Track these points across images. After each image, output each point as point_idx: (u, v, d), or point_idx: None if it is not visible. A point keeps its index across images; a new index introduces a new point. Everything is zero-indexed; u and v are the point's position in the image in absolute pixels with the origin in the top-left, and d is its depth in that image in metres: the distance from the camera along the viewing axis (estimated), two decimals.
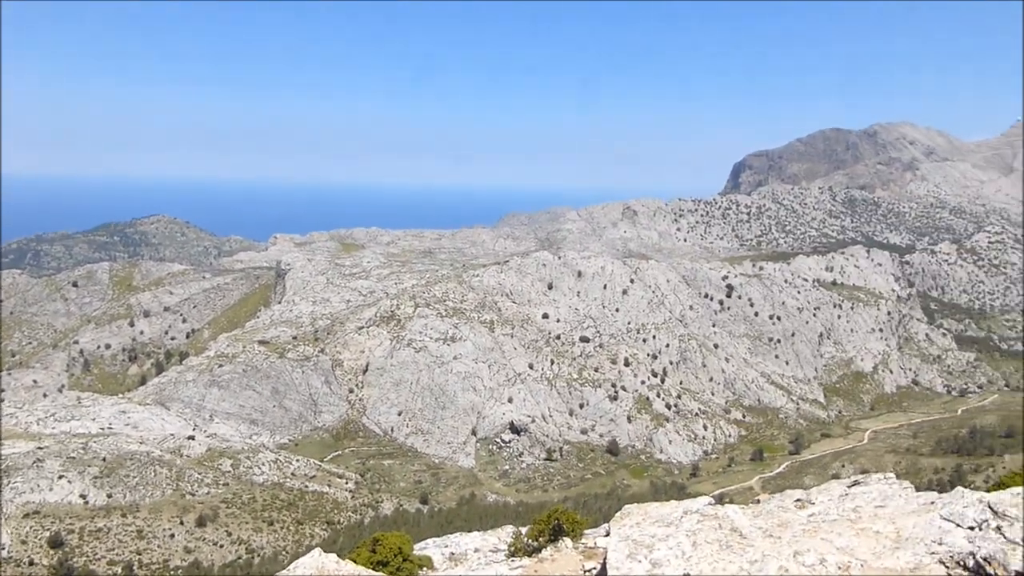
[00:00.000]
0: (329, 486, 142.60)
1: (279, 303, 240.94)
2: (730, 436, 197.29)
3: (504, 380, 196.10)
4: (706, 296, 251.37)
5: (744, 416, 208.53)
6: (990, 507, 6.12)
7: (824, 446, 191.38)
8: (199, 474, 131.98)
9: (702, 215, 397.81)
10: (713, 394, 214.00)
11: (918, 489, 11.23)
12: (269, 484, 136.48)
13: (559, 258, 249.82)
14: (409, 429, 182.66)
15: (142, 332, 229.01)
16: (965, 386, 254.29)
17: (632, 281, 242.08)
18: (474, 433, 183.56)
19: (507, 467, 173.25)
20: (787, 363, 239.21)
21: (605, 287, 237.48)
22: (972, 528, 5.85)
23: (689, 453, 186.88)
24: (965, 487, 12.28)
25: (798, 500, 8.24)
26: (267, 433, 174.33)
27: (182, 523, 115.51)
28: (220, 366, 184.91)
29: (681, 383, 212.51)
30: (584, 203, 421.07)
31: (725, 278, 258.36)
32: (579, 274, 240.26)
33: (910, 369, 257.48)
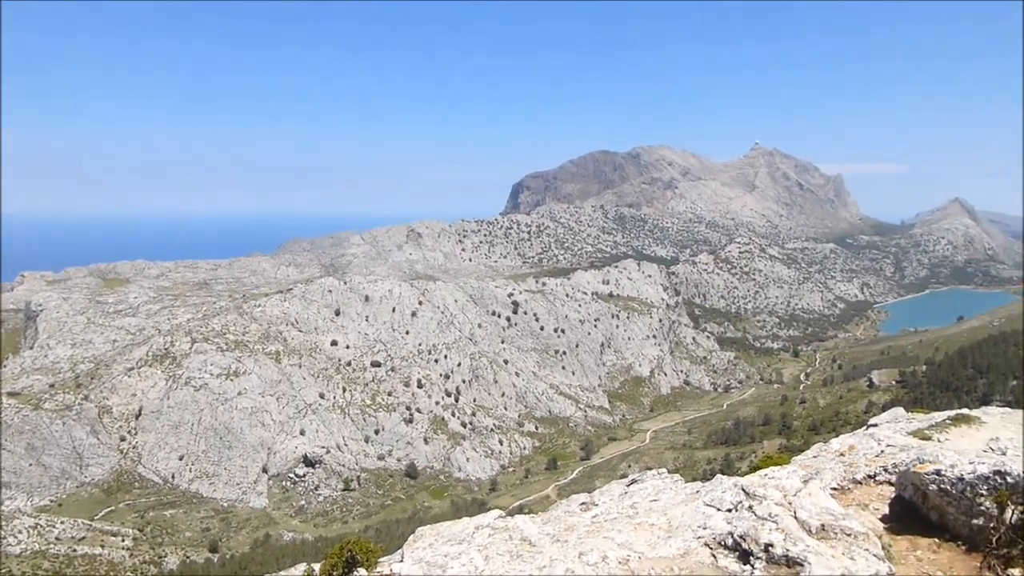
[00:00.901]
0: (102, 546, 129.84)
1: (31, 349, 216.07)
2: (525, 448, 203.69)
3: (294, 412, 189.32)
4: (494, 313, 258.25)
5: (537, 428, 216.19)
6: (743, 490, 7.16)
7: (612, 449, 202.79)
8: None
9: (485, 235, 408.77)
10: (506, 409, 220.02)
11: (693, 480, 12.98)
12: (28, 554, 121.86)
13: (345, 283, 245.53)
14: (193, 474, 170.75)
15: None
16: (728, 383, 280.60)
17: (421, 303, 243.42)
18: (265, 470, 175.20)
19: (303, 502, 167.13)
20: (573, 373, 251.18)
21: (394, 310, 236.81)
22: (730, 510, 6.78)
23: (487, 469, 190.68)
24: (732, 474, 14.17)
25: (583, 503, 8.96)
26: (23, 496, 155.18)
27: None
28: None
29: (475, 400, 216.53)
30: (367, 227, 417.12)
31: (511, 295, 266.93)
32: (367, 298, 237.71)
33: (681, 371, 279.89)
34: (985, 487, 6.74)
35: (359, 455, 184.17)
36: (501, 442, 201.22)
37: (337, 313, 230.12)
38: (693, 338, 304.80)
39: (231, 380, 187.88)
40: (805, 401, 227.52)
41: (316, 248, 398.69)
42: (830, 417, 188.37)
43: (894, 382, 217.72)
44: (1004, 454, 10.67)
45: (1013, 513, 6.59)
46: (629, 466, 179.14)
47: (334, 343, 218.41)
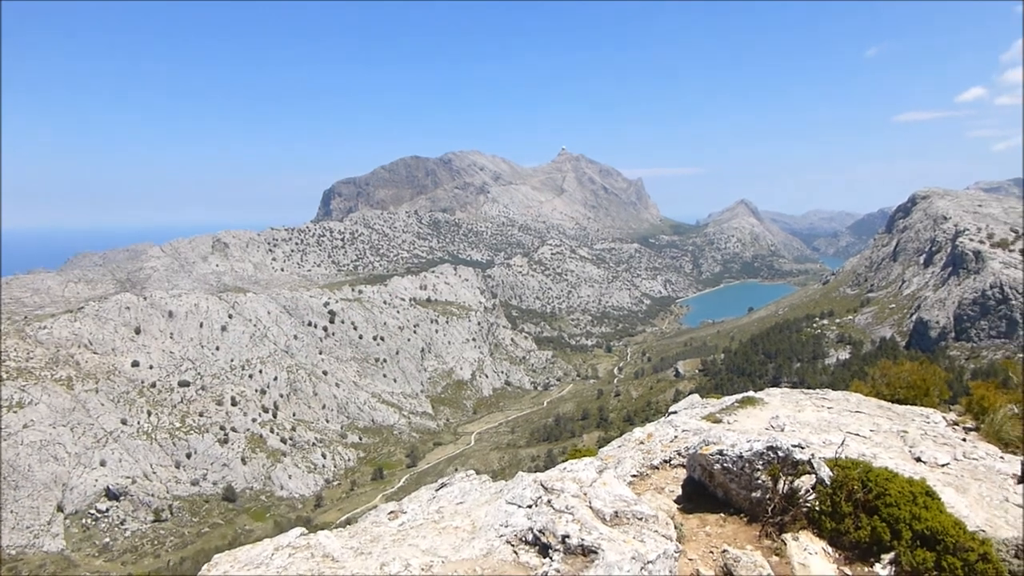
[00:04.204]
0: None
1: None
2: (349, 460, 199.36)
3: (92, 442, 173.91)
4: (310, 324, 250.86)
5: (361, 438, 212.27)
6: (542, 485, 7.36)
7: (438, 454, 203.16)
8: None
9: (297, 243, 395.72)
10: (328, 421, 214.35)
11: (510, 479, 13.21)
12: None
13: (145, 299, 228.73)
14: None
15: None
16: (547, 381, 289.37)
17: (231, 316, 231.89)
18: (60, 509, 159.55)
19: (107, 540, 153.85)
20: (395, 381, 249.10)
21: (201, 325, 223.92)
22: (530, 506, 6.94)
23: (311, 484, 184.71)
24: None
25: (391, 512, 8.86)
26: None
27: None
28: None
29: (294, 415, 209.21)
30: (167, 239, 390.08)
31: (327, 304, 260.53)
32: (170, 314, 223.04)
33: (502, 372, 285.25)
34: (761, 462, 7.33)
35: (170, 482, 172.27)
36: (324, 456, 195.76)
37: (137, 331, 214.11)
38: (512, 339, 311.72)
39: (14, 412, 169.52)
40: (619, 394, 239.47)
41: (109, 262, 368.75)
42: (642, 407, 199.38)
43: (697, 371, 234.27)
44: (782, 430, 11.71)
45: (784, 484, 7.22)
46: (456, 470, 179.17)
47: (135, 364, 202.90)
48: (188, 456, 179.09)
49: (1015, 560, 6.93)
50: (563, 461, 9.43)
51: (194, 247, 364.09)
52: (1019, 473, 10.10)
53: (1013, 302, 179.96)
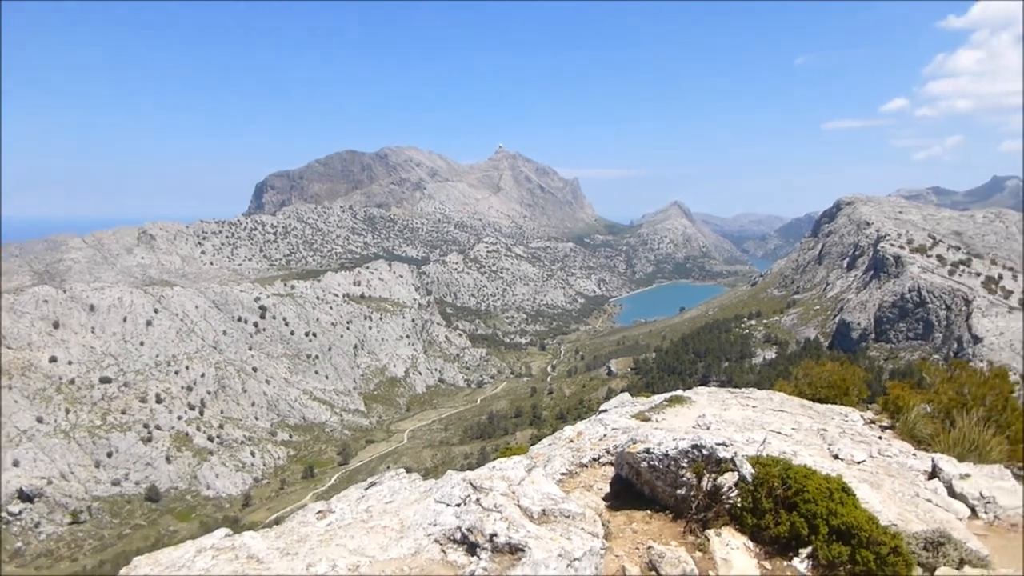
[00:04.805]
0: None
1: None
2: (279, 458, 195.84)
3: (5, 441, 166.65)
4: (240, 319, 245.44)
5: (291, 436, 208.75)
6: (471, 484, 7.37)
7: (370, 452, 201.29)
8: None
9: (228, 236, 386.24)
10: (257, 419, 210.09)
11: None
12: None
13: (65, 292, 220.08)
14: None
15: None
16: (481, 378, 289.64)
17: (156, 311, 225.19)
18: None
19: (20, 544, 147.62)
20: (327, 377, 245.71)
21: (125, 320, 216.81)
22: (459, 505, 6.97)
23: (239, 483, 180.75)
24: None
25: (319, 512, 8.77)
26: None
27: None
28: None
29: (222, 412, 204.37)
30: (90, 230, 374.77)
31: (258, 299, 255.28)
32: (92, 308, 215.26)
33: (436, 369, 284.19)
34: (686, 460, 7.48)
35: (89, 482, 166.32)
36: (253, 454, 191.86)
37: (56, 326, 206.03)
38: (446, 336, 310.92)
39: None
40: (552, 392, 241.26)
41: (26, 253, 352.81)
42: (575, 405, 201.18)
43: (629, 369, 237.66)
44: (708, 429, 11.97)
45: (708, 481, 7.39)
46: (388, 467, 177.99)
47: (53, 359, 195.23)
48: (109, 455, 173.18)
49: (924, 552, 7.25)
50: (495, 459, 9.48)
51: (118, 239, 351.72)
52: (930, 470, 10.56)
53: (930, 305, 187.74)
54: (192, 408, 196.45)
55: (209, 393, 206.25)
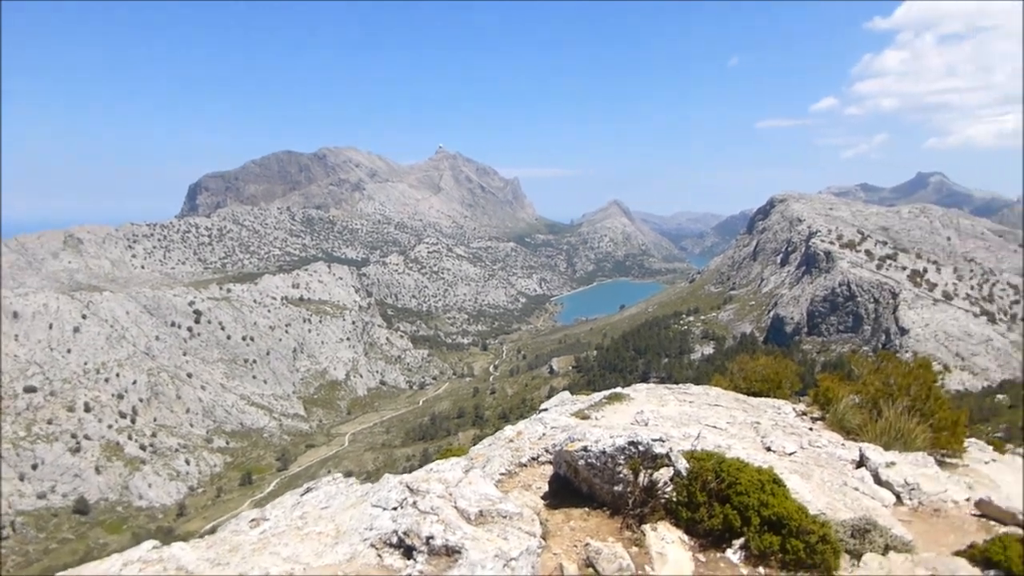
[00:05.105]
0: None
1: None
2: (216, 466, 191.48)
3: None
4: (173, 324, 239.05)
5: (228, 442, 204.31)
6: (408, 487, 7.31)
7: (310, 457, 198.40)
8: None
9: (160, 239, 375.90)
10: (192, 426, 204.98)
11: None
12: None
13: None
14: None
15: None
16: (423, 380, 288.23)
17: (85, 317, 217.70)
18: None
19: None
20: (265, 382, 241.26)
21: (51, 327, 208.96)
22: (395, 508, 6.90)
23: (173, 493, 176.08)
24: None
25: (253, 519, 8.60)
26: None
27: None
28: None
29: (155, 420, 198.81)
30: (11, 234, 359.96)
31: (192, 303, 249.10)
32: (15, 315, 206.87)
33: (377, 371, 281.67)
34: (623, 457, 7.56)
35: (12, 496, 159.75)
36: (188, 462, 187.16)
37: None
38: (387, 338, 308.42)
39: None
40: (495, 392, 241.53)
41: None
42: (518, 404, 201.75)
43: (571, 367, 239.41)
44: (646, 425, 12.13)
45: (644, 477, 7.49)
46: (328, 471, 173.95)
47: None
48: (34, 467, 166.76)
49: (851, 539, 7.48)
50: (437, 460, 9.44)
51: (43, 243, 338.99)
52: (857, 459, 10.89)
53: (859, 299, 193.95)
54: (123, 416, 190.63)
55: (141, 401, 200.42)
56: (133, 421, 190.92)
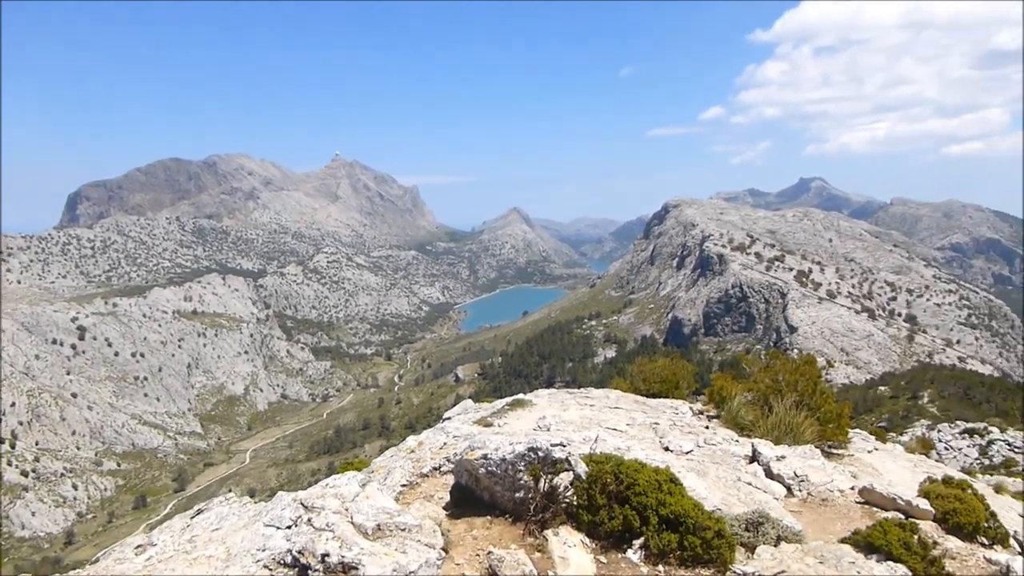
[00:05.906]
0: None
1: None
2: (106, 490, 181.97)
3: None
4: (55, 342, 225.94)
5: (120, 464, 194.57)
6: (302, 504, 7.12)
7: (209, 475, 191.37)
8: None
9: (37, 252, 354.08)
10: (79, 448, 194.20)
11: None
12: None
13: None
14: None
15: None
16: (326, 392, 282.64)
17: None
18: None
19: None
20: (158, 400, 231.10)
21: None
22: (289, 527, 6.71)
23: (60, 520, 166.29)
24: None
25: (138, 546, 8.24)
26: None
27: None
28: None
29: (37, 444, 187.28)
30: None
31: (75, 319, 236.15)
32: None
33: (278, 385, 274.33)
34: (523, 463, 7.59)
35: None
36: (76, 487, 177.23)
37: None
38: (287, 350, 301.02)
39: None
40: (400, 401, 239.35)
41: None
42: (424, 414, 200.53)
43: (476, 375, 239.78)
44: (548, 430, 12.21)
45: (545, 482, 7.52)
46: (229, 490, 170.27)
47: None
48: None
49: (745, 532, 7.74)
50: (335, 475, 9.21)
51: None
52: (750, 454, 11.29)
53: (751, 299, 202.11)
54: (2, 441, 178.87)
55: (21, 424, 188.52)
56: (13, 446, 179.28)
